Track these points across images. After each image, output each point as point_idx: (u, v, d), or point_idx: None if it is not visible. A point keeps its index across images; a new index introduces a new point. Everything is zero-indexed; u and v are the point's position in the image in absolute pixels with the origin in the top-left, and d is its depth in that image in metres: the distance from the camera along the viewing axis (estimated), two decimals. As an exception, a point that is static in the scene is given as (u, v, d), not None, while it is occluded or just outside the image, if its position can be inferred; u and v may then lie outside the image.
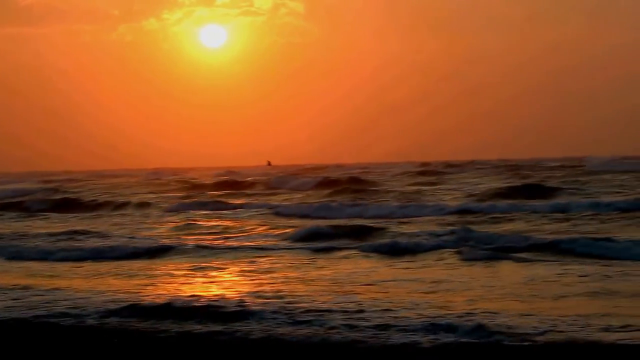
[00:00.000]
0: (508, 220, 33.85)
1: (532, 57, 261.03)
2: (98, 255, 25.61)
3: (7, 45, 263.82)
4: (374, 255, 23.69)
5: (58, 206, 51.90)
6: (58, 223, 39.78)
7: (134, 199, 55.53)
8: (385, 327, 13.13)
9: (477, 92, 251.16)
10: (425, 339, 12.25)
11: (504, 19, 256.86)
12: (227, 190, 66.48)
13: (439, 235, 27.20)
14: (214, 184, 76.53)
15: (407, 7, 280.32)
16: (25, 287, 18.57)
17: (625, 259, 21.69)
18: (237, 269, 21.31)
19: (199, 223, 36.68)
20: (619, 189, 49.81)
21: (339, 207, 41.43)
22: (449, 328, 12.85)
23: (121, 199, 55.91)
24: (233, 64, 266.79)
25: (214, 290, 17.45)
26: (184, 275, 20.27)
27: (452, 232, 27.28)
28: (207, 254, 24.89)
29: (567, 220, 33.02)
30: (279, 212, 42.07)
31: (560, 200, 41.92)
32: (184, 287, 18.11)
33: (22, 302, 16.51)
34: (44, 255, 25.96)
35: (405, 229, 30.85)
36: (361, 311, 14.37)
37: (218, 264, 22.25)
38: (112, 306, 15.38)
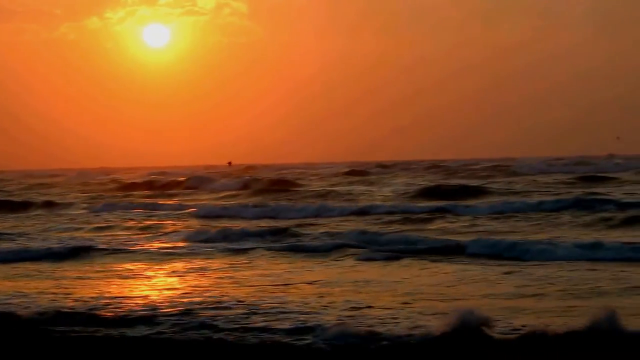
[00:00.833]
0: (419, 220, 34.22)
1: (476, 59, 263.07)
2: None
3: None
4: (278, 256, 23.85)
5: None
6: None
7: (55, 199, 55.07)
8: (262, 329, 13.23)
9: (422, 93, 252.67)
10: (286, 339, 12.39)
11: (447, 21, 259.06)
12: (153, 190, 66.31)
13: (335, 236, 27.49)
14: (141, 183, 76.19)
15: (350, 7, 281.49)
16: None
17: (512, 258, 22.18)
18: (142, 271, 21.21)
19: (116, 224, 36.48)
20: (536, 189, 50.50)
21: (252, 208, 41.74)
22: (309, 330, 12.97)
23: (41, 199, 55.42)
24: (177, 64, 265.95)
25: (111, 294, 17.25)
26: (87, 278, 20.05)
27: (357, 234, 27.69)
28: (116, 256, 24.69)
29: (474, 220, 33.50)
30: (197, 214, 42.20)
31: (468, 201, 42.40)
32: (81, 291, 17.85)
33: None
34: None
35: (313, 229, 31.02)
36: (251, 313, 14.48)
37: (124, 267, 22.10)
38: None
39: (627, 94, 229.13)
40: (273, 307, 14.95)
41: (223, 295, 16.51)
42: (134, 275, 20.46)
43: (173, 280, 19.42)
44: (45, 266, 22.95)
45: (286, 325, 13.34)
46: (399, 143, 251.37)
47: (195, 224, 36.34)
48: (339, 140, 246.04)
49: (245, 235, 29.41)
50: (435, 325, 12.61)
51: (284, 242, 27.00)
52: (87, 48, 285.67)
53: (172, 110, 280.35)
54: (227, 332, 13.04)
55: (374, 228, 31.45)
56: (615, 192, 44.47)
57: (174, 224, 36.11)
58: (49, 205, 50.10)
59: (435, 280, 18.50)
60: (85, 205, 49.90)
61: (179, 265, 22.18)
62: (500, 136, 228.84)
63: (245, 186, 64.37)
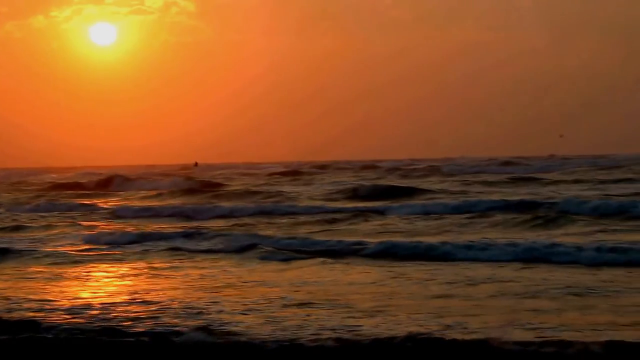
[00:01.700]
0: (332, 221, 34.50)
1: (425, 61, 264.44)
2: None
3: None
4: (168, 258, 23.84)
5: None
6: None
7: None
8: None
9: (370, 93, 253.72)
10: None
11: (396, 22, 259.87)
12: (80, 190, 66.08)
13: (229, 237, 27.76)
14: (70, 184, 75.84)
15: (298, 7, 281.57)
16: None
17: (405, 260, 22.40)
18: (42, 274, 21.04)
19: (28, 225, 36.28)
20: (458, 189, 51.01)
21: (168, 209, 42.01)
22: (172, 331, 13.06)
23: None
24: (124, 62, 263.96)
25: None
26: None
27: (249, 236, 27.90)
28: (21, 258, 24.48)
29: (388, 221, 33.84)
30: (115, 214, 42.37)
31: (386, 202, 42.82)
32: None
33: None
34: None
35: (221, 230, 31.17)
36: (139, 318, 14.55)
37: (23, 269, 21.91)
38: None
39: (571, 98, 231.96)
40: (129, 310, 15.04)
41: (94, 298, 16.61)
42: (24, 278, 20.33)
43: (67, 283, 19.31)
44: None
45: (141, 328, 13.42)
46: (347, 143, 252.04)
47: (107, 225, 36.40)
48: (286, 140, 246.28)
49: (146, 236, 29.39)
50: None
51: (176, 244, 26.97)
52: (33, 46, 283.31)
53: (119, 109, 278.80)
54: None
55: (282, 228, 31.74)
56: (536, 192, 45.22)
57: (88, 225, 36.08)
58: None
59: (298, 281, 18.64)
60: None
61: (77, 268, 21.88)
62: (448, 136, 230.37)
63: (170, 186, 64.38)
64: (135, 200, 53.32)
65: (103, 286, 18.77)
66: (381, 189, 51.20)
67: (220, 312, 14.75)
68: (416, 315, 14.07)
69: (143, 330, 13.22)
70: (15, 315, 14.80)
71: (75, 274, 20.67)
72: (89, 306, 15.63)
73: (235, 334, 12.72)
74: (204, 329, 12.90)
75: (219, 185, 66.58)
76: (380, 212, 38.37)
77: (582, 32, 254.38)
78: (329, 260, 22.31)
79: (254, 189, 57.80)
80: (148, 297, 16.41)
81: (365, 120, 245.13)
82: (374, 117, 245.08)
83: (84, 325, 13.70)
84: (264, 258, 23.17)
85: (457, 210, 37.02)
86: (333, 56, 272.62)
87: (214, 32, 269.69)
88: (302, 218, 36.38)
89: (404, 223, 33.14)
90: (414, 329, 12.62)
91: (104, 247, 27.39)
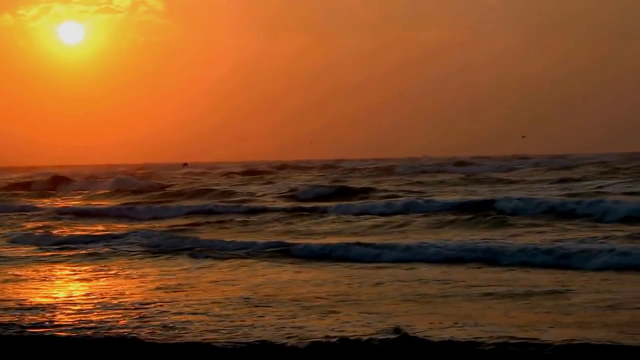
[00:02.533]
0: (270, 221, 34.81)
1: (395, 62, 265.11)
2: None
3: None
4: (92, 260, 23.98)
5: None
6: None
7: None
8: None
9: (340, 93, 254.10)
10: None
11: (366, 23, 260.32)
12: (27, 190, 66.00)
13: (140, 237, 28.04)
14: (21, 184, 75.69)
15: (268, 6, 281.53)
16: None
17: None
18: None
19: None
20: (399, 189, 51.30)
21: (103, 210, 42.17)
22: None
23: None
24: (92, 61, 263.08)
25: None
26: None
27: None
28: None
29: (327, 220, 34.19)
30: (56, 214, 42.45)
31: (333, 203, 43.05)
32: None
33: None
34: None
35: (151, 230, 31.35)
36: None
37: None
38: None
39: (541, 99, 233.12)
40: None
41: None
42: None
43: None
44: None
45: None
46: (317, 143, 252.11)
47: (43, 225, 36.46)
48: (255, 140, 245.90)
49: (72, 238, 29.56)
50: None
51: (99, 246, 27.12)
52: (0, 45, 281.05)
53: (87, 108, 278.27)
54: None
55: (208, 227, 32.00)
56: (479, 192, 45.54)
57: (24, 225, 36.14)
58: None
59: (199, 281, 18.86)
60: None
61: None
62: (416, 137, 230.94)
63: (116, 186, 64.43)
64: (78, 200, 53.31)
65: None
66: (325, 189, 51.46)
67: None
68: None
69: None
70: None
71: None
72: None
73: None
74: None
75: (166, 185, 66.63)
76: (320, 212, 38.68)
77: (552, 35, 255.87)
78: (236, 261, 22.59)
79: (203, 188, 57.94)
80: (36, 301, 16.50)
81: (335, 121, 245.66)
82: (344, 117, 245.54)
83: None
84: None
85: (387, 210, 37.40)
86: (302, 56, 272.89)
87: (182, 31, 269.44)
88: (231, 218, 36.64)
89: (332, 224, 33.41)
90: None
91: (33, 248, 27.32)
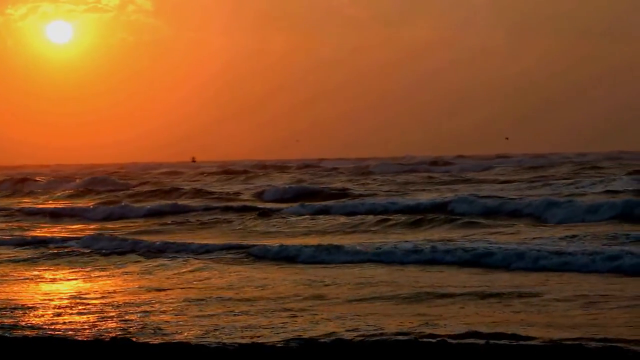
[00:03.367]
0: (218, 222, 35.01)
1: (381, 61, 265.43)
2: None
3: None
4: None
5: None
6: None
7: None
8: None
9: (328, 92, 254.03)
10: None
11: (353, 22, 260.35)
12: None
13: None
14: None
15: (256, 5, 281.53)
16: None
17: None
18: None
19: None
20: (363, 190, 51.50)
21: (62, 210, 42.51)
22: None
23: None
24: (81, 61, 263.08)
25: None
26: None
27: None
28: None
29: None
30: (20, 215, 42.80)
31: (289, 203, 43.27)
32: None
33: None
34: None
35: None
36: None
37: None
38: None
39: (525, 98, 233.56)
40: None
41: None
42: None
43: None
44: None
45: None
46: (303, 141, 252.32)
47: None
48: (243, 138, 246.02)
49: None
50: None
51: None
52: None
53: (75, 107, 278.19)
54: None
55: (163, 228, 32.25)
56: (440, 193, 45.72)
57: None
58: None
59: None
60: None
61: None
62: (401, 135, 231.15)
63: (84, 186, 64.61)
64: (31, 201, 53.54)
65: None
66: (290, 190, 51.66)
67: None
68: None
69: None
70: None
71: None
72: None
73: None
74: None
75: (136, 185, 66.74)
76: (279, 213, 38.87)
77: (537, 33, 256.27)
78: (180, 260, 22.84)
79: (165, 188, 58.11)
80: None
81: (322, 119, 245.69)
82: (331, 116, 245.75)
83: None
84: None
85: (341, 211, 37.72)
86: (290, 55, 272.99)
87: (170, 31, 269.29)
88: (192, 218, 36.92)
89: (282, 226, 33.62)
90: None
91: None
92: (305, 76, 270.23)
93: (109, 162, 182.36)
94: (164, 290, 17.63)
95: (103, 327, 13.51)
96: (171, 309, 15.17)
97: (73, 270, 21.64)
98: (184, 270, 20.92)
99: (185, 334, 12.77)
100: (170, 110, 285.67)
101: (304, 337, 12.17)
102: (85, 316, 14.66)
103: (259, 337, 12.45)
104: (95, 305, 15.79)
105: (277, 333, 12.67)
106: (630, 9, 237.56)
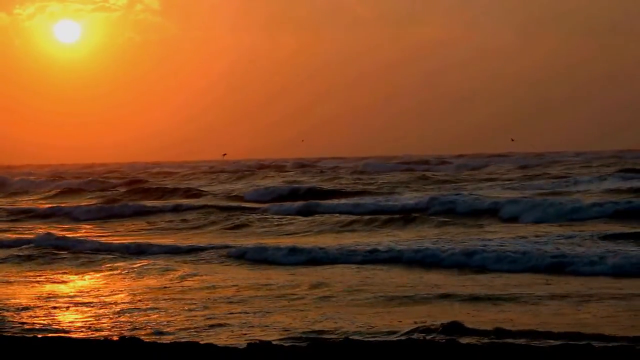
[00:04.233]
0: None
1: (390, 59, 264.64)
2: None
3: None
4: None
5: None
6: None
7: None
8: None
9: (336, 91, 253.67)
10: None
11: (362, 20, 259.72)
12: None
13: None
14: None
15: (264, 4, 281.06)
16: None
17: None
18: None
19: None
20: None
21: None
22: None
23: None
24: (89, 60, 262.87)
25: None
26: None
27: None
28: None
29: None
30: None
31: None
32: None
33: None
34: None
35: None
36: None
37: None
38: None
39: (534, 96, 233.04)
40: None
41: None
42: None
43: None
44: None
45: None
46: (312, 140, 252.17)
47: None
48: (252, 138, 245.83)
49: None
50: None
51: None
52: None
53: (83, 107, 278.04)
54: None
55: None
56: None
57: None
58: None
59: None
60: None
61: None
62: (410, 134, 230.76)
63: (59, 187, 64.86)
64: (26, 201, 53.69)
65: None
66: (272, 190, 51.51)
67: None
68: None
69: None
70: None
71: None
72: None
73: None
74: None
75: (115, 185, 66.85)
76: (256, 213, 38.89)
77: (546, 31, 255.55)
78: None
79: (152, 187, 58.20)
80: None
81: (330, 118, 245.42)
82: (338, 115, 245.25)
83: None
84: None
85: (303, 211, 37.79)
86: (298, 54, 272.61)
87: (178, 30, 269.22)
88: (156, 218, 36.99)
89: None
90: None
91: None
92: (314, 75, 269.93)
93: (112, 161, 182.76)
94: (151, 290, 17.81)
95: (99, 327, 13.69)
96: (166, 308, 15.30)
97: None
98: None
99: (182, 334, 13.02)
100: (177, 108, 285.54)
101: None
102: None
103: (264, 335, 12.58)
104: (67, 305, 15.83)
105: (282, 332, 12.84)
106: None
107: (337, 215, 34.70)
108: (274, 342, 11.62)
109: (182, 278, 19.45)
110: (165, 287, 18.23)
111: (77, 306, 15.96)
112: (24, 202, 51.98)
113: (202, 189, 57.07)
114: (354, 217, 33.22)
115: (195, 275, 19.78)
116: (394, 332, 12.79)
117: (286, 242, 26.29)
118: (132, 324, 14.17)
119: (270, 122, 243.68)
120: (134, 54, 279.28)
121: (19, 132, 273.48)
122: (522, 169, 74.64)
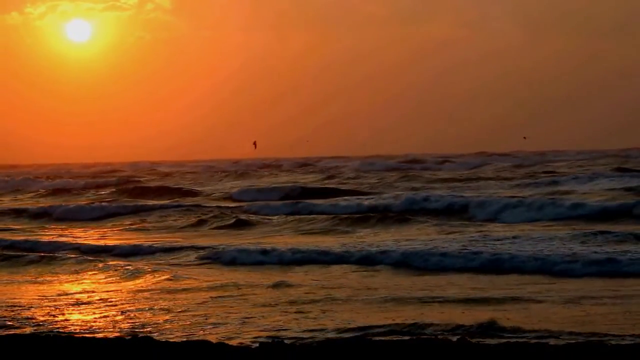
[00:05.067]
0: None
1: (400, 58, 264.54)
2: None
3: None
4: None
5: None
6: None
7: None
8: None
9: (346, 90, 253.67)
10: None
11: (372, 19, 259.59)
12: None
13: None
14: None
15: (274, 3, 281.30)
16: None
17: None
18: None
19: None
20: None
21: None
22: None
23: None
24: (100, 59, 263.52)
25: None
26: None
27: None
28: None
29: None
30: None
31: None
32: None
33: None
34: None
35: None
36: None
37: None
38: None
39: (544, 95, 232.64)
40: None
41: None
42: None
43: None
44: None
45: None
46: (322, 140, 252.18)
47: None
48: (262, 137, 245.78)
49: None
50: None
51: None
52: (7, 43, 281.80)
53: (94, 106, 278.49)
54: None
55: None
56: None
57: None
58: None
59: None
60: None
61: None
62: (418, 133, 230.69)
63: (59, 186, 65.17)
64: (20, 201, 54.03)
65: None
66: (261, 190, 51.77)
67: None
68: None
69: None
70: None
71: None
72: None
73: None
74: None
75: (106, 185, 67.11)
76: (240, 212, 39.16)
77: (553, 31, 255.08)
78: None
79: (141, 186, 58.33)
80: None
81: (339, 117, 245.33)
82: (347, 114, 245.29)
83: None
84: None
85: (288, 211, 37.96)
86: (309, 53, 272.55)
87: (189, 29, 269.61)
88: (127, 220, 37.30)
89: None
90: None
91: None
92: (324, 74, 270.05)
93: (123, 160, 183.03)
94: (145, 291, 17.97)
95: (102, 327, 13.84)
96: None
97: None
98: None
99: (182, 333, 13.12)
100: (187, 107, 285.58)
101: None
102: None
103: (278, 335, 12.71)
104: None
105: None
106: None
107: (316, 215, 35.00)
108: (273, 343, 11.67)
109: (155, 280, 19.55)
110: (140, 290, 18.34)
111: (58, 308, 16.02)
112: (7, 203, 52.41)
113: (196, 188, 57.37)
114: (330, 217, 33.49)
115: (167, 276, 19.85)
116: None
117: (264, 242, 26.44)
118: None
119: (279, 121, 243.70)
120: (145, 53, 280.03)
121: (29, 131, 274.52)
122: (517, 167, 74.72)
